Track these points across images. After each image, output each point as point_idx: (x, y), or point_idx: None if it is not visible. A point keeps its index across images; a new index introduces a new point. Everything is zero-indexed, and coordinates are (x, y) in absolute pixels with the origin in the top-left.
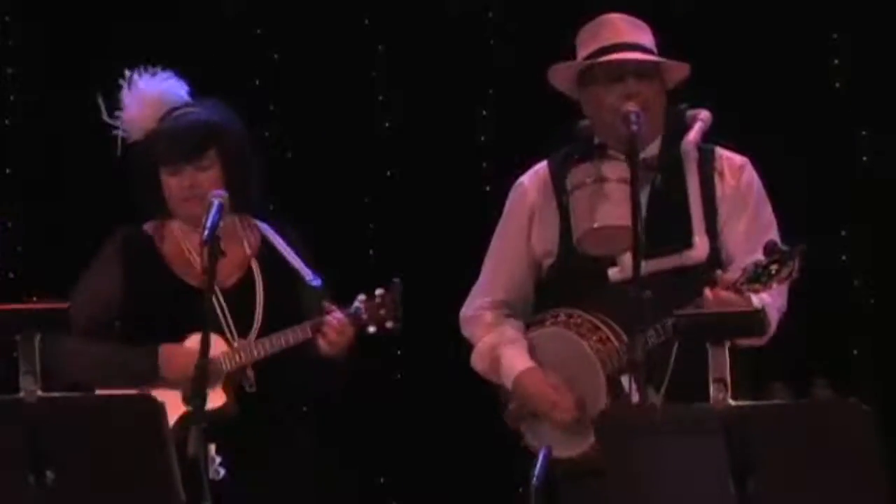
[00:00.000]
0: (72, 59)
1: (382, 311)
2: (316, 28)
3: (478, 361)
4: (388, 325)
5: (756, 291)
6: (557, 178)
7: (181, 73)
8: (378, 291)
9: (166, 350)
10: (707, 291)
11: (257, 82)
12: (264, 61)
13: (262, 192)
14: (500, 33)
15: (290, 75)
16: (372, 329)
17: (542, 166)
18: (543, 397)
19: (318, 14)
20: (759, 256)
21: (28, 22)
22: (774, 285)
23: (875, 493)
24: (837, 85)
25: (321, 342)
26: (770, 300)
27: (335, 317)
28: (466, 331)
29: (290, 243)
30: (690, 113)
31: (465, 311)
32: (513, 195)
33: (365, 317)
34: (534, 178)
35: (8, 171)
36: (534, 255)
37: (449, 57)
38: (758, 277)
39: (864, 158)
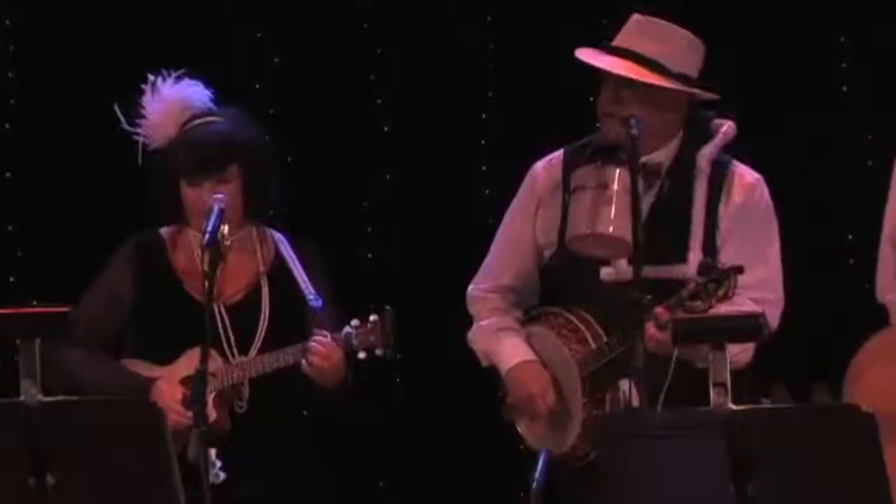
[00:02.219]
0: (72, 62)
1: (373, 338)
2: (316, 32)
3: (477, 339)
4: (378, 351)
5: (698, 309)
6: (568, 169)
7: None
8: (372, 318)
9: (158, 386)
10: (656, 310)
11: (257, 86)
12: (264, 65)
13: (282, 200)
14: (499, 36)
15: (290, 79)
16: (362, 355)
17: (557, 155)
18: (524, 390)
19: (318, 18)
20: (696, 276)
21: (28, 26)
22: (714, 302)
23: (875, 496)
24: (844, 89)
25: (305, 366)
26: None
27: (320, 341)
28: (471, 308)
29: (304, 258)
30: (716, 122)
31: (473, 290)
32: (527, 179)
33: (355, 342)
34: (546, 167)
35: (8, 175)
36: (538, 241)
37: (448, 60)
38: (697, 295)
39: (870, 163)
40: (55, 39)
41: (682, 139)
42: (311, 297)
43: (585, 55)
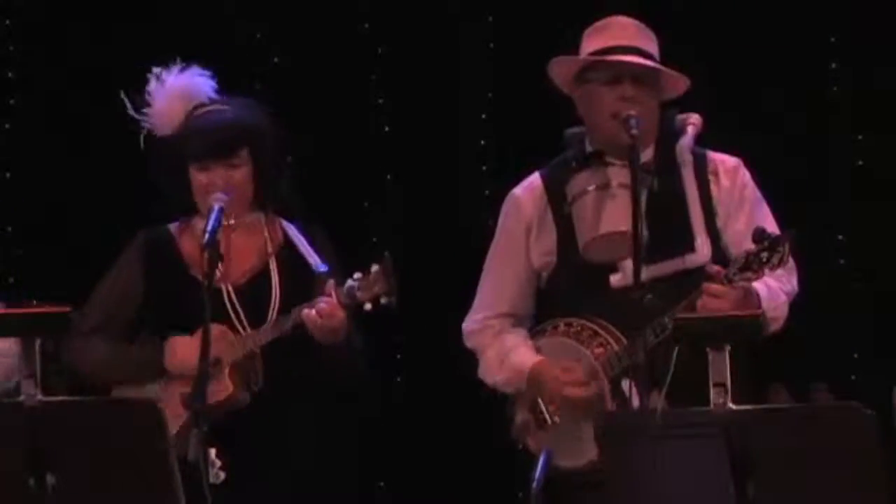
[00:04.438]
0: (72, 62)
1: (376, 287)
2: (316, 32)
3: (487, 373)
4: (384, 300)
5: (749, 280)
6: (553, 188)
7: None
8: (374, 267)
9: (171, 342)
10: (704, 285)
11: (258, 86)
12: (264, 65)
13: (293, 191)
14: (500, 37)
15: (290, 79)
16: (368, 306)
17: (535, 178)
18: (557, 379)
19: (318, 18)
20: (750, 245)
21: (28, 25)
22: (766, 271)
23: (875, 496)
24: (836, 88)
25: (311, 327)
26: (777, 284)
27: (325, 301)
28: (471, 342)
29: (311, 238)
30: (681, 117)
31: (468, 324)
32: (506, 208)
33: (359, 294)
34: (528, 190)
35: (8, 175)
36: (533, 267)
37: (448, 61)
38: (749, 266)
39: (861, 162)
40: (55, 39)
41: (657, 136)
42: (316, 264)
43: (609, 54)
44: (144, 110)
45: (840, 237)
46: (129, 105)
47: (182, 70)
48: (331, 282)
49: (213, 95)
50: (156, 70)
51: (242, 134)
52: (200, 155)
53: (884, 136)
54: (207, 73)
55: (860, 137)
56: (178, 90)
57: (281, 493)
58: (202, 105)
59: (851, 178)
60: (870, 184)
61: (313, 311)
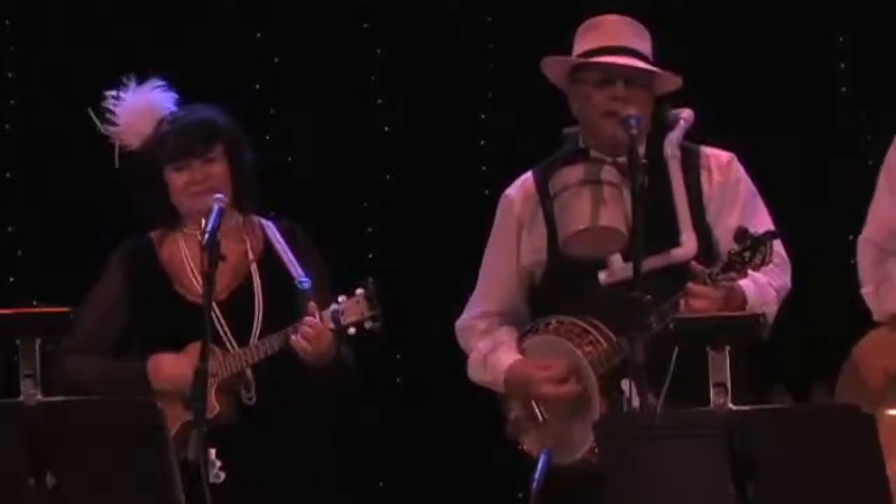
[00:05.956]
0: (73, 62)
1: (360, 312)
2: (315, 32)
3: (472, 371)
4: (367, 324)
5: (732, 280)
6: (543, 186)
7: (182, 77)
8: (357, 291)
9: (153, 360)
10: (687, 286)
11: (257, 86)
12: (264, 65)
13: (260, 190)
14: (499, 37)
15: (290, 79)
16: (352, 330)
17: (527, 176)
18: (532, 377)
19: (318, 18)
20: (733, 245)
21: (28, 25)
22: (749, 272)
23: (875, 497)
24: (844, 89)
25: (299, 351)
26: (766, 279)
27: (309, 322)
28: (461, 341)
29: (291, 240)
30: (673, 112)
31: (458, 322)
32: (500, 207)
33: (343, 318)
34: (520, 189)
35: (8, 175)
36: (524, 266)
37: (448, 61)
38: (732, 265)
39: (871, 163)
40: (55, 39)
41: (649, 132)
42: (299, 279)
43: (600, 55)
44: (110, 128)
45: (850, 237)
46: (97, 122)
47: (139, 84)
48: (312, 304)
49: (174, 106)
50: (111, 92)
51: (215, 129)
52: (177, 154)
53: (891, 134)
54: (164, 83)
55: (870, 137)
56: (140, 105)
57: (281, 494)
58: (168, 115)
59: (861, 178)
60: (875, 184)
61: (300, 337)
